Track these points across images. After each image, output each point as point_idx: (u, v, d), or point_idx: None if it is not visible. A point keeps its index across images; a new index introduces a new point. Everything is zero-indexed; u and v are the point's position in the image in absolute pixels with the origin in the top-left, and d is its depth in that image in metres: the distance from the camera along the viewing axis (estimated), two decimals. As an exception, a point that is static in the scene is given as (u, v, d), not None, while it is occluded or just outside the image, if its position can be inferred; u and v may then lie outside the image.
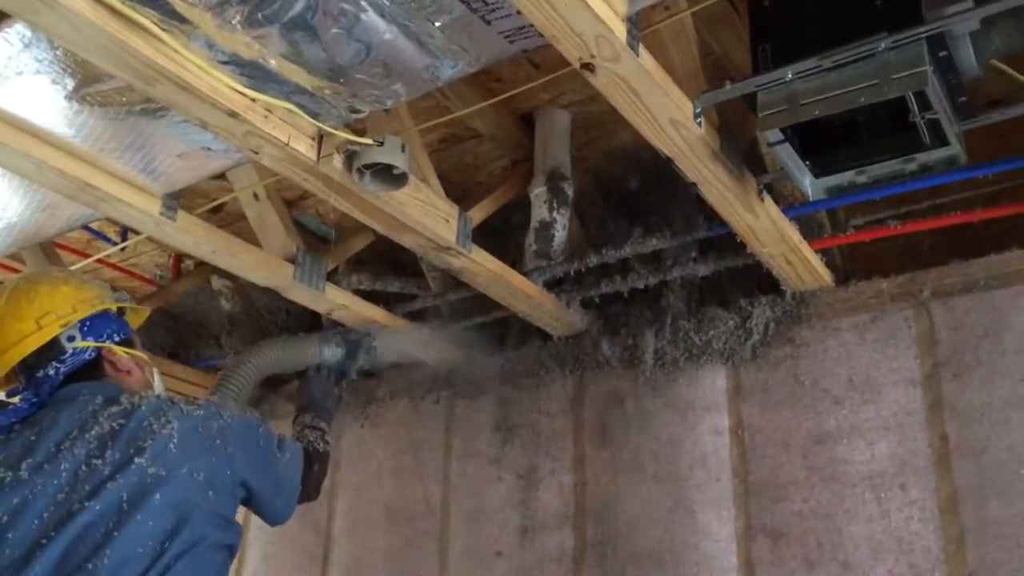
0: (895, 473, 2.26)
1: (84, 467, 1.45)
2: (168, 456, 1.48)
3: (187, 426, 1.54)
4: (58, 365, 1.64)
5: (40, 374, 1.63)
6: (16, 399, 1.65)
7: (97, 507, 1.41)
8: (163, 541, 1.43)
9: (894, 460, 2.27)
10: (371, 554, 3.17)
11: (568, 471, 2.80)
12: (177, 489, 1.47)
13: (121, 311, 1.80)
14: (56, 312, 1.66)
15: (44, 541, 1.38)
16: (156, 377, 1.81)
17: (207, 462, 1.53)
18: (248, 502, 1.69)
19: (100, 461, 1.46)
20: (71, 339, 1.66)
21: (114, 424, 1.51)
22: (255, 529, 3.54)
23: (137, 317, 1.88)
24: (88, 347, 1.67)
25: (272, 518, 1.79)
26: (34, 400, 1.62)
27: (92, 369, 1.67)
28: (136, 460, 1.46)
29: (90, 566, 1.37)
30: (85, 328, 1.68)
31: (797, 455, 2.41)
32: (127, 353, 1.73)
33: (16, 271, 3.14)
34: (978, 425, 2.19)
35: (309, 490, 1.93)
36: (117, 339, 1.73)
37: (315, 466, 1.98)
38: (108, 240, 3.15)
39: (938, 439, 2.23)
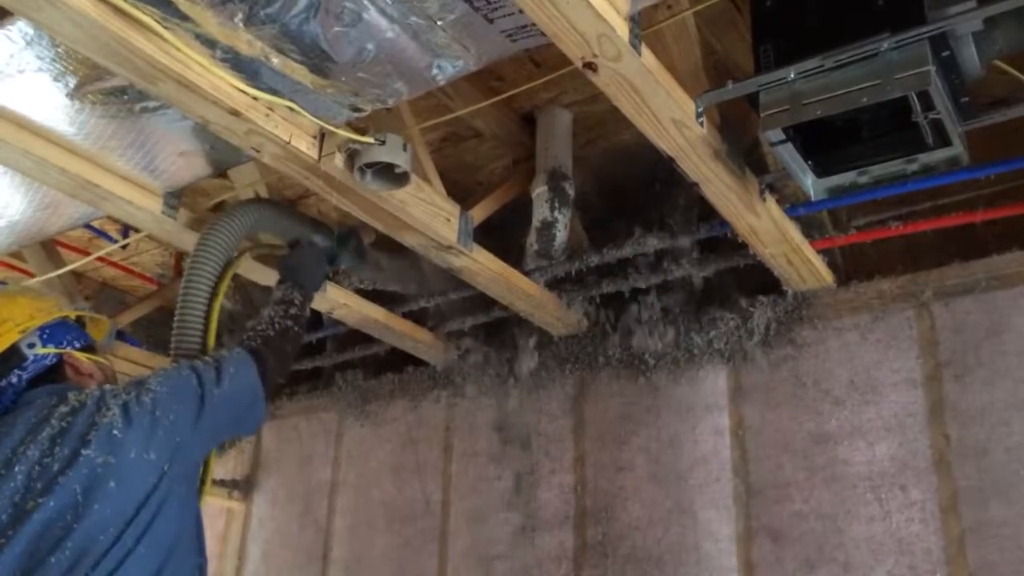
0: (896, 474, 2.25)
1: (37, 467, 1.48)
2: (113, 442, 1.50)
3: (124, 409, 1.55)
4: (20, 372, 1.67)
5: (3, 383, 1.66)
6: None
7: (51, 503, 1.43)
8: (122, 526, 1.45)
9: (895, 461, 2.27)
10: (371, 552, 3.17)
11: (568, 471, 2.80)
12: (130, 473, 1.49)
13: (81, 321, 1.85)
14: (13, 320, 1.70)
15: (3, 541, 1.41)
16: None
17: (153, 438, 1.53)
18: (219, 439, 1.74)
19: (50, 459, 1.48)
20: (31, 346, 1.70)
21: (63, 423, 1.53)
22: (255, 527, 3.55)
23: (98, 328, 1.92)
24: (48, 353, 1.71)
25: (249, 432, 1.83)
26: None
27: (54, 374, 1.71)
28: (83, 452, 1.48)
29: (52, 560, 1.40)
30: (45, 335, 1.72)
31: (798, 456, 2.40)
32: (88, 359, 1.77)
33: (18, 269, 3.14)
34: (979, 426, 2.18)
35: (272, 379, 1.88)
36: (78, 345, 1.77)
37: (267, 358, 1.85)
38: (109, 238, 3.15)
39: (939, 440, 2.23)
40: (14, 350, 1.68)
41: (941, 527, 2.16)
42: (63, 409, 1.56)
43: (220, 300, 2.01)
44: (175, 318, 1.95)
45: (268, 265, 2.45)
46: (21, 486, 1.46)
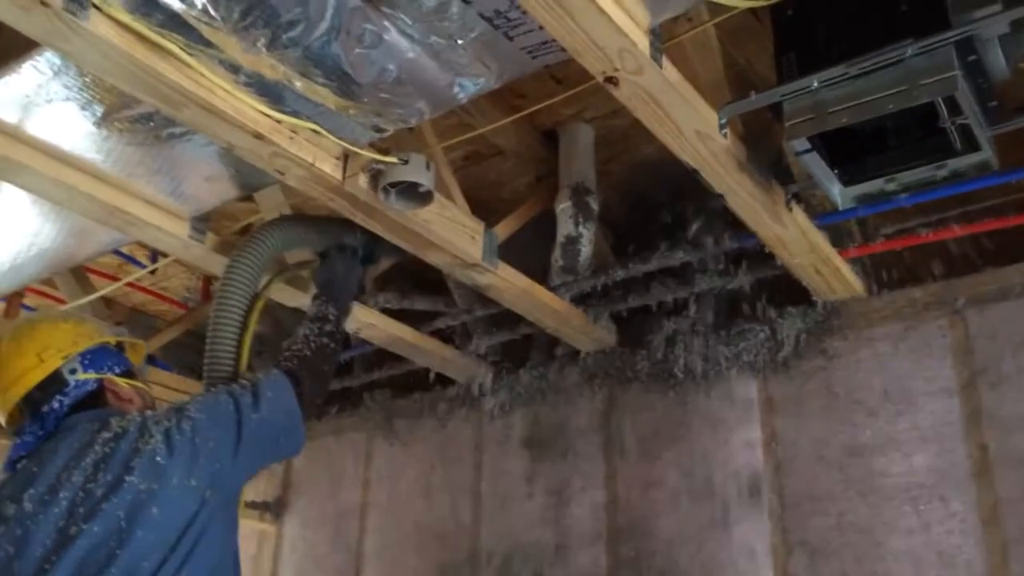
0: (934, 485, 2.21)
1: (81, 493, 1.50)
2: (156, 469, 1.51)
3: (166, 436, 1.55)
4: (62, 398, 1.69)
5: (45, 408, 1.69)
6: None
7: (95, 529, 1.45)
8: (165, 553, 1.47)
9: (932, 472, 2.22)
10: (402, 573, 3.16)
11: (600, 487, 2.78)
12: (173, 500, 1.50)
13: (121, 347, 1.87)
14: (56, 346, 1.73)
15: (47, 567, 1.43)
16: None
17: (195, 466, 1.54)
18: (258, 465, 1.72)
19: (94, 485, 1.50)
20: (73, 372, 1.72)
21: (106, 448, 1.55)
22: (287, 550, 3.55)
23: (136, 353, 1.94)
24: (90, 379, 1.73)
25: (289, 455, 1.81)
26: (40, 433, 1.67)
27: (95, 399, 1.73)
28: (127, 479, 1.49)
29: None
30: (86, 361, 1.75)
31: (833, 467, 2.37)
32: (128, 384, 1.79)
33: (49, 296, 3.19)
34: (1018, 434, 2.14)
35: (311, 401, 1.85)
36: (118, 371, 1.79)
37: (304, 380, 1.82)
38: (139, 264, 3.19)
39: (977, 450, 2.18)
40: (56, 376, 1.71)
41: (983, 538, 2.12)
42: (106, 435, 1.57)
43: (251, 331, 1.99)
44: (206, 346, 1.93)
45: (298, 288, 2.44)
46: (65, 511, 1.48)
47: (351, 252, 2.19)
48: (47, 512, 1.48)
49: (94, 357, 1.76)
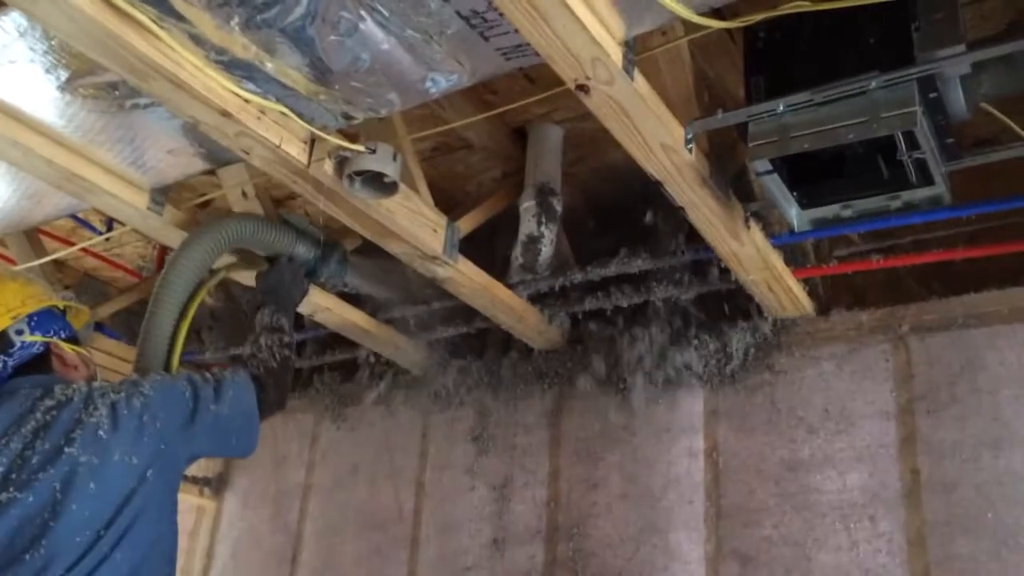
0: (865, 504, 2.27)
1: (18, 459, 1.45)
2: (98, 443, 1.48)
3: (112, 410, 1.53)
4: (5, 359, 1.64)
5: None
6: None
7: (30, 499, 1.41)
8: (99, 529, 1.44)
9: (865, 492, 2.28)
10: (340, 558, 3.16)
11: (542, 485, 2.80)
12: (111, 476, 1.47)
13: (65, 311, 1.83)
14: (6, 305, 1.68)
15: None
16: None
17: (138, 443, 1.52)
18: (203, 456, 1.73)
19: (31, 453, 1.46)
20: (19, 332, 1.68)
21: (47, 416, 1.51)
22: (225, 527, 3.53)
23: (78, 319, 1.90)
24: (36, 341, 1.69)
25: (238, 456, 1.83)
26: None
27: (39, 363, 1.68)
28: (67, 450, 1.46)
29: (27, 557, 1.38)
30: (32, 323, 1.70)
31: (770, 481, 2.42)
32: (73, 350, 1.75)
33: (2, 257, 3.12)
34: (949, 462, 2.21)
35: (270, 409, 1.88)
36: (63, 335, 1.75)
37: (269, 387, 1.88)
38: (94, 229, 3.13)
39: (909, 473, 2.25)
40: (2, 336, 1.66)
41: (907, 559, 2.18)
42: (48, 403, 1.53)
43: (188, 321, 1.98)
44: (142, 326, 1.93)
45: (244, 280, 2.42)
46: (1, 478, 1.43)
47: (300, 265, 2.22)
48: None
49: (40, 319, 1.71)
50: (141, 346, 1.91)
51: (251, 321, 2.07)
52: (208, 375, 1.75)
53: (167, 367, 1.90)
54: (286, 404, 1.99)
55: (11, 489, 1.43)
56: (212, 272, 2.14)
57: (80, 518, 1.42)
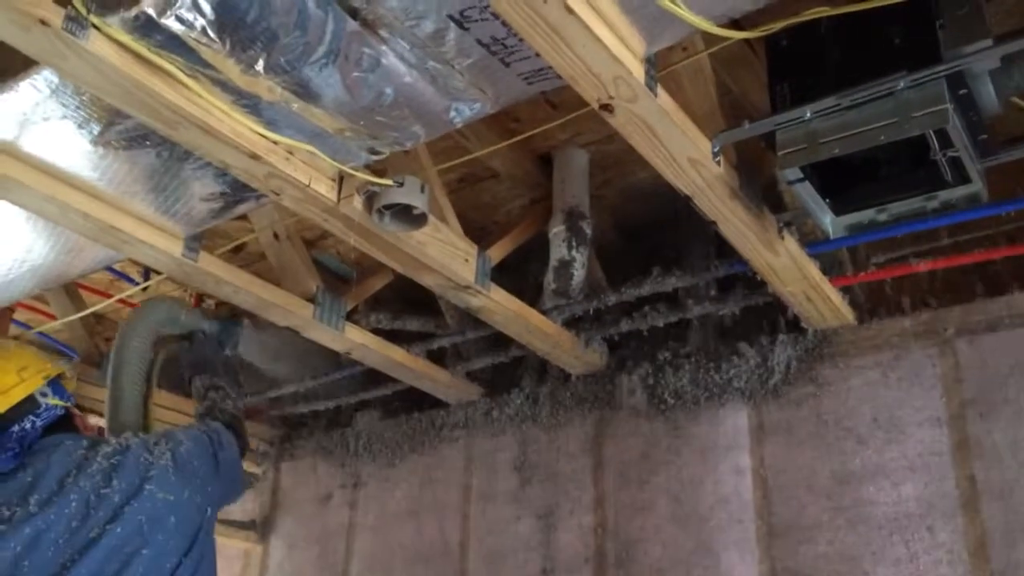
0: (922, 515, 2.21)
1: (94, 497, 1.63)
2: (171, 483, 1.68)
3: (173, 456, 1.73)
4: (34, 419, 1.78)
5: (16, 428, 1.75)
6: None
7: (119, 530, 1.59)
8: (179, 559, 1.64)
9: (921, 502, 2.23)
10: (389, 596, 3.14)
11: (588, 511, 2.77)
12: (185, 512, 1.68)
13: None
14: (35, 367, 1.83)
15: (69, 564, 1.55)
16: None
17: (196, 485, 1.73)
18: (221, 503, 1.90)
19: (109, 490, 1.63)
20: (44, 395, 1.83)
21: (112, 460, 1.69)
22: (273, 571, 3.52)
23: (68, 384, 2.03)
24: (58, 405, 1.84)
25: (234, 500, 2.01)
26: (17, 451, 1.73)
27: (65, 424, 1.84)
28: (146, 487, 1.65)
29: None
30: (52, 388, 1.86)
31: (821, 496, 2.37)
32: (81, 414, 1.94)
33: (40, 312, 3.17)
34: (1006, 465, 2.15)
35: (242, 455, 2.04)
36: (72, 401, 1.92)
37: (244, 439, 2.07)
38: (130, 280, 3.17)
39: (965, 480, 2.19)
40: (31, 396, 1.79)
41: (970, 569, 2.12)
42: (106, 449, 1.71)
43: (153, 390, 2.21)
44: (107, 402, 2.13)
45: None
46: (77, 513, 1.61)
47: (210, 337, 2.40)
48: (58, 514, 1.59)
49: (55, 386, 1.87)
50: (112, 414, 2.10)
51: (191, 390, 2.25)
52: (203, 427, 1.93)
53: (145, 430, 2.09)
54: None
55: (97, 523, 1.60)
56: (154, 358, 2.32)
57: (166, 547, 1.63)
